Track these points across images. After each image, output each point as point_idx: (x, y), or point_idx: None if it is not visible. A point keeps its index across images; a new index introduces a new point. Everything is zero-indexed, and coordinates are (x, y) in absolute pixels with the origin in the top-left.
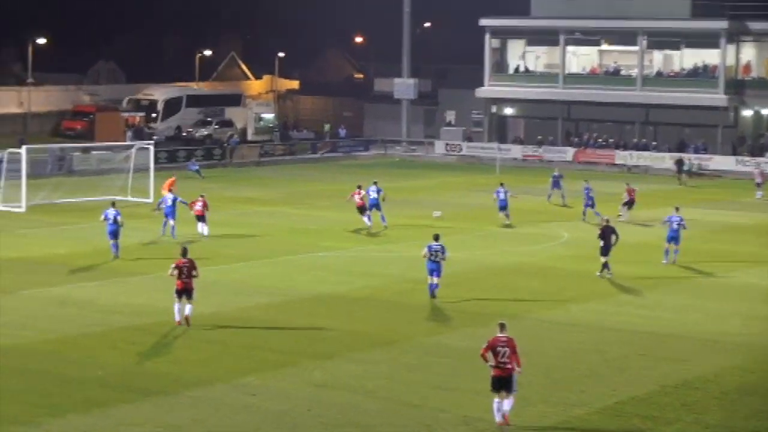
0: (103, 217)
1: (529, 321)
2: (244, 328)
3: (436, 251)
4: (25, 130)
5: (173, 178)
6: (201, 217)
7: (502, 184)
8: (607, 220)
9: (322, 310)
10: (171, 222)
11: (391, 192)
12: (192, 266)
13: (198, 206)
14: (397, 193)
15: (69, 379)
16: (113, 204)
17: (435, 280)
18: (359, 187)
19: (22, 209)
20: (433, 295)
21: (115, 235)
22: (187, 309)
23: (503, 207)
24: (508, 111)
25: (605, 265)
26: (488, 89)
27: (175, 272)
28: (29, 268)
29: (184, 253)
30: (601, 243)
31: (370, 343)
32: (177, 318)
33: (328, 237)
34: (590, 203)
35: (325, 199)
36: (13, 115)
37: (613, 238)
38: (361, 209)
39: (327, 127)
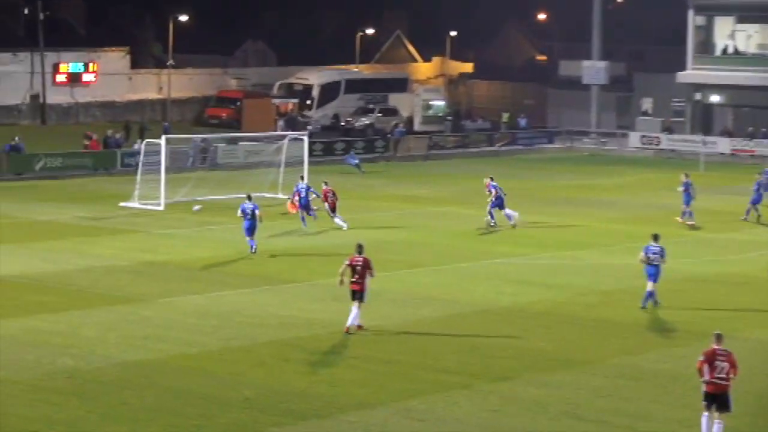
0: (239, 212)
1: (738, 340)
2: (409, 344)
3: (654, 254)
4: (165, 117)
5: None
6: (332, 209)
7: (686, 175)
8: None
9: (498, 325)
10: (308, 214)
11: (579, 191)
12: (366, 265)
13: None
14: (585, 192)
15: (211, 398)
16: (249, 197)
17: (650, 285)
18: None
19: (161, 207)
20: (645, 306)
21: (251, 231)
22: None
23: (688, 202)
24: (715, 98)
25: None
26: (691, 73)
27: (348, 271)
28: (167, 273)
29: (360, 250)
30: None
31: (552, 363)
32: (348, 322)
33: (504, 241)
34: (757, 200)
35: None
36: (151, 101)
37: None
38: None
39: (505, 116)
